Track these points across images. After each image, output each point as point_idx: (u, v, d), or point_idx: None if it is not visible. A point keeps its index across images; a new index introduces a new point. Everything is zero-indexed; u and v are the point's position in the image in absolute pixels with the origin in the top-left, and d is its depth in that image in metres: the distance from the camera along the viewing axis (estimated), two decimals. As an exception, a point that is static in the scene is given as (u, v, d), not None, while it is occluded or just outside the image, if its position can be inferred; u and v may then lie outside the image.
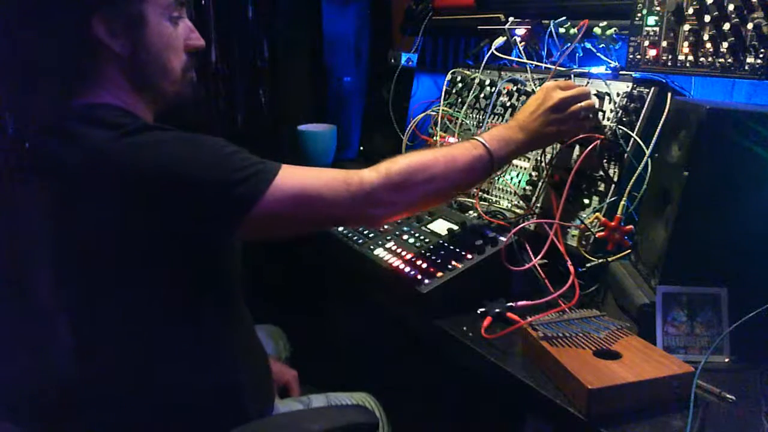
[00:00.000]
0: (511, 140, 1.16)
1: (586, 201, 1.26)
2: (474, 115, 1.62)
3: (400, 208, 1.09)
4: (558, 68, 1.39)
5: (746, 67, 1.02)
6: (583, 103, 1.23)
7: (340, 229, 1.46)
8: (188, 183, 0.92)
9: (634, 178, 1.17)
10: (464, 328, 1.09)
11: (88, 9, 0.96)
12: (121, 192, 0.91)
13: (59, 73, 1.00)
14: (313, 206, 1.00)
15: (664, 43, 1.17)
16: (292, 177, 0.98)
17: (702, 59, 1.10)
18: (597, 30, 1.34)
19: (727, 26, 1.05)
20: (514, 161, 1.45)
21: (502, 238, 1.18)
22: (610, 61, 1.36)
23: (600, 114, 1.29)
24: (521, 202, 1.41)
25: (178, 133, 0.96)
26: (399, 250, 1.29)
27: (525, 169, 1.44)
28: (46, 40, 0.98)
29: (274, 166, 0.97)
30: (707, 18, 1.08)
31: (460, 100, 1.67)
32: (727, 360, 0.96)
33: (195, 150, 0.95)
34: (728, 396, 0.87)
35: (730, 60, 1.05)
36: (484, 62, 1.61)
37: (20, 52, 1.00)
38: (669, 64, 1.17)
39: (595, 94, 1.29)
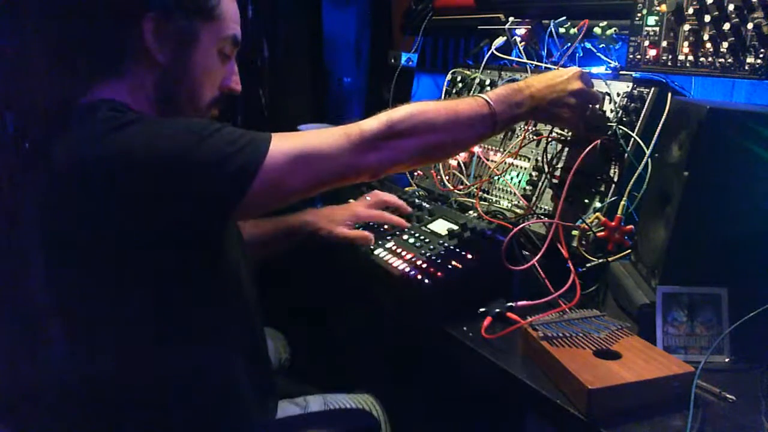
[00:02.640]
0: (516, 104, 1.14)
1: (587, 201, 1.26)
2: (474, 115, 1.62)
3: (400, 157, 1.05)
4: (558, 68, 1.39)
5: (746, 67, 1.02)
6: (593, 105, 1.24)
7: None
8: (186, 163, 0.90)
9: (634, 178, 1.17)
10: (464, 328, 1.09)
11: (144, 5, 0.95)
12: (113, 186, 0.89)
13: (90, 62, 0.99)
14: (315, 161, 0.98)
15: (664, 43, 1.17)
16: (287, 139, 0.97)
17: (702, 59, 1.10)
18: (597, 30, 1.34)
19: (727, 26, 1.05)
20: (514, 161, 1.46)
21: (502, 238, 1.18)
22: (610, 61, 1.36)
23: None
24: (521, 202, 1.41)
25: (165, 118, 0.95)
26: (399, 250, 1.28)
27: (525, 169, 1.44)
28: (93, 27, 0.97)
29: (266, 134, 0.96)
30: (707, 18, 1.08)
31: (460, 100, 1.67)
32: (727, 360, 0.96)
33: (185, 130, 0.93)
34: (728, 396, 0.87)
35: (730, 60, 1.05)
36: (484, 62, 1.61)
37: (53, 38, 0.98)
38: (669, 64, 1.16)
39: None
